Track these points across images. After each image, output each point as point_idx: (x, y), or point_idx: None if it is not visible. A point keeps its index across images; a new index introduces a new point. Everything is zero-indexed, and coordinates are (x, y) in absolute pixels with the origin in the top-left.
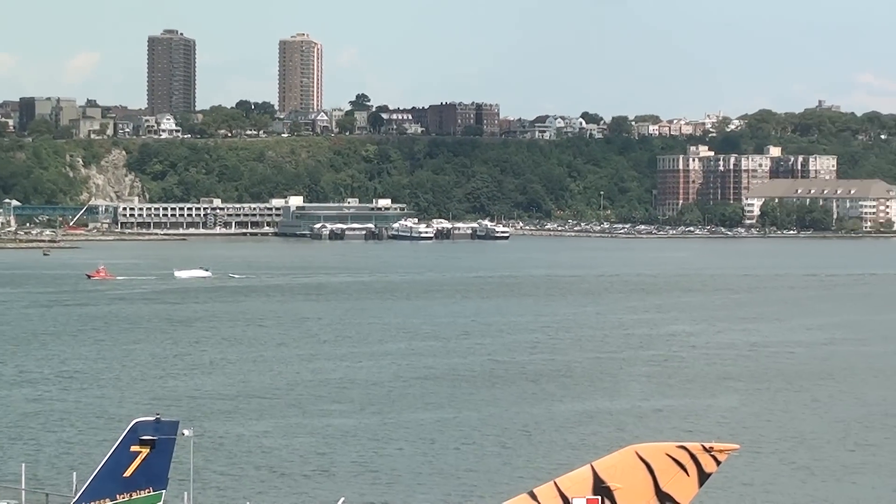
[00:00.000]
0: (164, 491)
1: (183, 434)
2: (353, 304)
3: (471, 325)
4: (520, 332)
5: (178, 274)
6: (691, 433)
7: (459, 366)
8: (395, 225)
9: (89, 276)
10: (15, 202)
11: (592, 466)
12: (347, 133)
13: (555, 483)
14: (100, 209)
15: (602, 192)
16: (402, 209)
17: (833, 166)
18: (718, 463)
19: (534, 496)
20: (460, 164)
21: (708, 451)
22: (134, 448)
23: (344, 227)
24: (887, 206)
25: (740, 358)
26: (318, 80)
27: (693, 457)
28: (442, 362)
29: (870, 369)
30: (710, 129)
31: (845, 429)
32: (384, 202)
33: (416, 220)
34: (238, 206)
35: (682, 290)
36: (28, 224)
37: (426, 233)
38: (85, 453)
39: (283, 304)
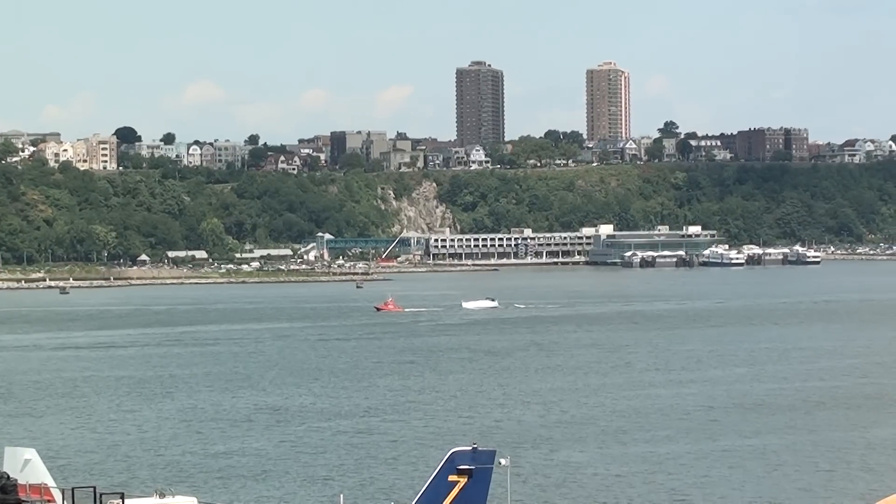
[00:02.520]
0: None
1: (500, 463)
2: (662, 332)
3: (784, 352)
4: (833, 358)
5: (465, 305)
6: None
7: (772, 392)
8: (706, 252)
9: (378, 309)
10: (328, 235)
11: None
12: (656, 161)
13: None
14: (411, 241)
15: None
16: (713, 236)
17: None
18: None
19: None
20: (770, 189)
21: None
22: (452, 477)
23: (655, 254)
24: None
25: None
26: (625, 108)
27: None
28: (755, 389)
29: None
30: None
31: None
32: (694, 229)
33: (726, 247)
34: (548, 235)
35: None
36: (341, 257)
37: (737, 259)
38: (404, 483)
39: (575, 334)
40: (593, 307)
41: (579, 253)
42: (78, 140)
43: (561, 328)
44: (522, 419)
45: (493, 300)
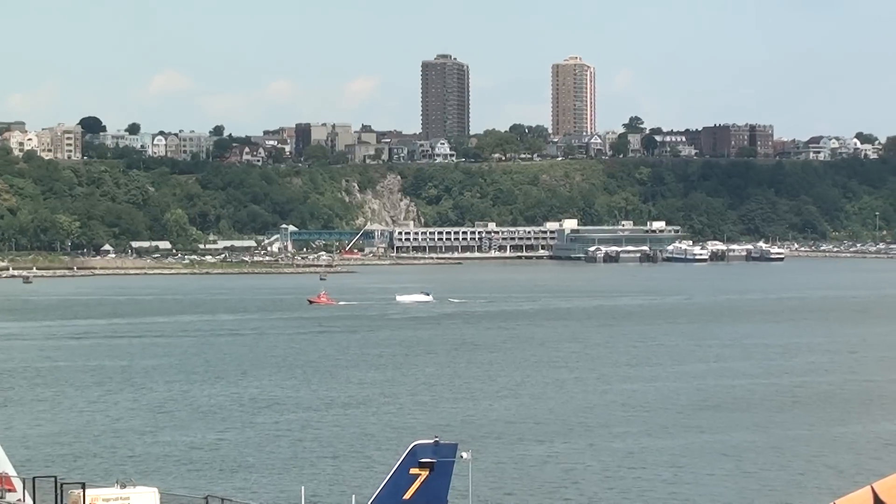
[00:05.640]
0: None
1: (461, 457)
2: (626, 328)
3: (748, 348)
4: (797, 355)
5: (399, 299)
6: None
7: (737, 389)
8: (670, 247)
9: (311, 302)
10: (292, 227)
11: (873, 488)
12: (621, 156)
13: None
14: (375, 234)
15: (878, 213)
16: (677, 231)
17: None
18: None
19: None
20: (734, 185)
21: None
22: (413, 470)
23: (618, 249)
24: None
25: None
26: (591, 103)
27: None
28: (720, 385)
29: None
30: None
31: None
32: (658, 224)
33: (690, 243)
34: (513, 229)
35: None
36: (305, 249)
37: (701, 255)
38: (364, 476)
39: (512, 331)
40: (530, 303)
41: (543, 247)
42: (42, 129)
43: (485, 324)
44: (485, 413)
45: (427, 294)
